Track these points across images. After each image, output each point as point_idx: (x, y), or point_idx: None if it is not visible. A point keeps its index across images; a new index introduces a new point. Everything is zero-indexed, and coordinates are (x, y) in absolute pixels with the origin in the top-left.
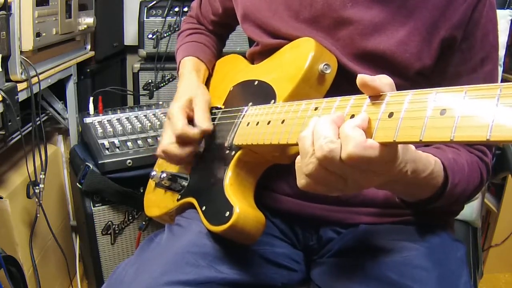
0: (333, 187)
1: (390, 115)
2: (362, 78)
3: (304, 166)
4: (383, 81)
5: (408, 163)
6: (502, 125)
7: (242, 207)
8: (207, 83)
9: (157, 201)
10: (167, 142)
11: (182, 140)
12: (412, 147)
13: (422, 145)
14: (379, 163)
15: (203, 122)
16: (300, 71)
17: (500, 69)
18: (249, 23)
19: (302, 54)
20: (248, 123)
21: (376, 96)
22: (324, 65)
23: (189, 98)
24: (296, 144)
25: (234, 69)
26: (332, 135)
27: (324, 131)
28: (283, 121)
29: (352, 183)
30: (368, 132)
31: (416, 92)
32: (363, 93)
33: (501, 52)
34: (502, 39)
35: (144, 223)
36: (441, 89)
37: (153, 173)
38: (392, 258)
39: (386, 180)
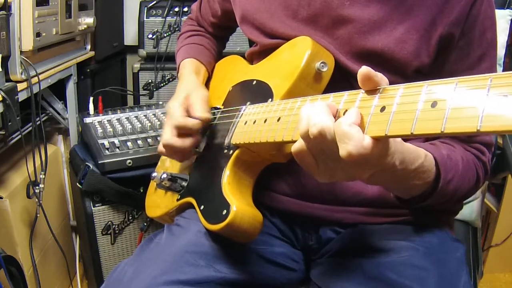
0: (312, 165)
1: (382, 109)
2: (369, 71)
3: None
4: (383, 77)
5: (396, 153)
6: (492, 115)
7: (239, 206)
8: (206, 85)
9: (158, 202)
10: (168, 137)
11: (182, 131)
12: (398, 139)
13: (419, 140)
14: (373, 158)
15: (201, 112)
16: (297, 69)
17: (500, 69)
18: (247, 24)
19: (298, 53)
20: (246, 122)
21: (369, 91)
22: (321, 63)
23: (186, 95)
24: (292, 141)
25: (233, 70)
26: (326, 115)
27: (318, 113)
28: (279, 119)
29: (342, 173)
30: (361, 127)
31: (408, 85)
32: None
33: (501, 52)
34: (502, 39)
35: (145, 224)
36: (432, 81)
37: (154, 174)
38: (392, 258)
39: (375, 171)
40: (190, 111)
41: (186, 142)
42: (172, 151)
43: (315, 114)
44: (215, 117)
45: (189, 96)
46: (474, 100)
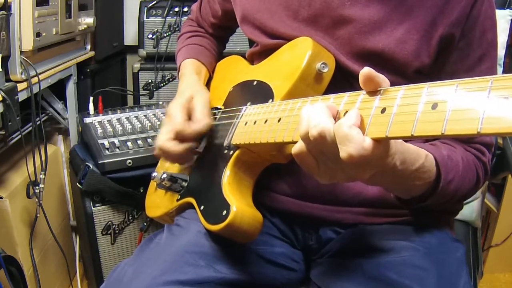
0: (312, 167)
1: (383, 110)
2: (370, 72)
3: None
4: (384, 79)
5: (396, 154)
6: (493, 117)
7: (239, 206)
8: (207, 85)
9: (158, 202)
10: (164, 139)
11: (179, 136)
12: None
13: (419, 140)
14: (374, 159)
15: (202, 121)
16: (298, 70)
17: (500, 69)
18: (248, 25)
19: (299, 53)
20: (246, 122)
21: (370, 92)
22: (322, 64)
23: (190, 96)
24: (292, 142)
25: (234, 70)
26: (326, 117)
27: (318, 115)
28: (279, 120)
29: (343, 174)
30: (361, 128)
31: (408, 87)
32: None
33: (501, 52)
34: (502, 39)
35: (145, 224)
36: (433, 83)
37: (154, 174)
38: (391, 258)
39: (376, 172)
40: (192, 116)
41: (181, 146)
42: (165, 154)
43: (315, 115)
44: (215, 117)
45: (193, 99)
46: (475, 102)
